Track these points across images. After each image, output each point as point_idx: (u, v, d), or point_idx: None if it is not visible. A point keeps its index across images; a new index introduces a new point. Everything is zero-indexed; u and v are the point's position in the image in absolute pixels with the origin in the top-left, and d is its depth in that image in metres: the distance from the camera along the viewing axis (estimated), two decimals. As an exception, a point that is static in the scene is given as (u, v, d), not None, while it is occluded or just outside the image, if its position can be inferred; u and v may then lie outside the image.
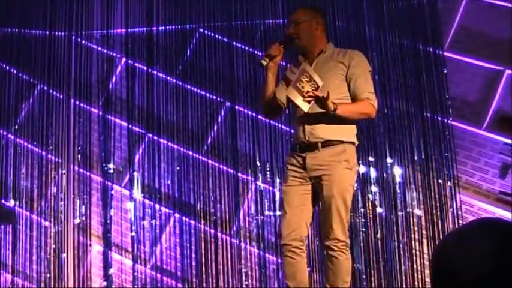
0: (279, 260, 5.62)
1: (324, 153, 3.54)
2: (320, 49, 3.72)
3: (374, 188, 5.50)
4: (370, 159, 5.54)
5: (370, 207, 5.49)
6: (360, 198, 5.49)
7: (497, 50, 5.72)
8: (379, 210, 5.46)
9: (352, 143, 3.61)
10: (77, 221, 6.06)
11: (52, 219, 6.10)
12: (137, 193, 6.03)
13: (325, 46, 3.73)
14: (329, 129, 3.55)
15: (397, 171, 5.49)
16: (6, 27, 6.56)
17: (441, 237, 5.29)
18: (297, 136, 3.65)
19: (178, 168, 5.97)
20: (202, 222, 5.87)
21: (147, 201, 6.04)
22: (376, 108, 3.62)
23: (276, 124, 5.80)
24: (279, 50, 3.64)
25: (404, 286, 5.32)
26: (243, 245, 5.77)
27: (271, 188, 5.81)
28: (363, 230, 5.45)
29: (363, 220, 5.47)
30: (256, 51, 5.95)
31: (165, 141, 6.07)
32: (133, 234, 6.01)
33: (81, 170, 6.20)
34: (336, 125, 3.54)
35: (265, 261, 5.74)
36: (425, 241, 5.36)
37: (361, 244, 5.44)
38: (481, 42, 5.80)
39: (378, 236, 5.42)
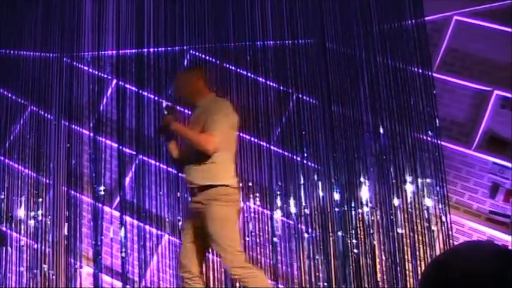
0: (269, 281, 5.63)
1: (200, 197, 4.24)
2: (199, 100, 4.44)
3: (366, 209, 5.51)
4: (362, 179, 5.56)
5: (361, 228, 5.50)
6: (353, 219, 5.50)
7: (485, 70, 5.79)
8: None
9: (226, 185, 4.18)
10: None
11: (42, 241, 6.07)
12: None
13: (203, 98, 4.43)
14: (200, 175, 4.22)
15: (388, 191, 5.50)
16: (-3, 49, 6.58)
17: (433, 257, 5.29)
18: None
19: (161, 192, 5.97)
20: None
21: (137, 223, 6.02)
22: (213, 145, 4.15)
23: (265, 144, 5.83)
24: (169, 120, 4.38)
25: (396, 307, 5.32)
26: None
27: (264, 210, 5.81)
28: (355, 251, 5.46)
29: (354, 241, 5.47)
30: (247, 73, 5.98)
31: (156, 163, 6.07)
32: (124, 255, 5.98)
33: (71, 192, 6.19)
34: (207, 170, 4.20)
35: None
36: (417, 262, 5.35)
37: (353, 265, 5.44)
38: (469, 63, 5.87)
39: (370, 256, 5.42)
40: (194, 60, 6.21)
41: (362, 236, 5.47)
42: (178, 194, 5.91)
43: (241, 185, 4.47)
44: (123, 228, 5.99)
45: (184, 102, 4.78)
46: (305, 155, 5.73)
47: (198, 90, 4.45)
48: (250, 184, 5.82)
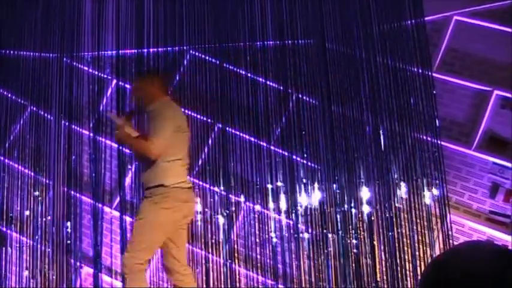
0: (269, 281, 5.64)
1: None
2: (150, 106, 4.51)
3: (366, 208, 5.51)
4: (361, 179, 5.56)
5: (361, 228, 5.50)
6: (353, 219, 5.50)
7: (485, 70, 5.79)
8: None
9: (161, 185, 4.27)
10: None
11: (42, 241, 6.07)
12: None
13: (154, 103, 4.49)
14: (147, 177, 4.37)
15: (388, 191, 5.50)
16: (-3, 49, 6.57)
17: (433, 257, 5.29)
18: None
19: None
20: (192, 243, 5.85)
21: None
22: (155, 151, 4.24)
23: (265, 144, 5.83)
24: (122, 121, 4.49)
25: (396, 307, 5.32)
26: (233, 266, 5.75)
27: (263, 210, 5.81)
28: (354, 251, 5.46)
29: (354, 241, 5.47)
30: (247, 73, 5.99)
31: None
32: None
33: (71, 192, 6.18)
34: (152, 172, 4.32)
35: (253, 282, 5.73)
36: (417, 262, 5.36)
37: (353, 265, 5.44)
38: (469, 63, 5.88)
39: (370, 256, 5.42)
40: (194, 60, 6.21)
41: (362, 236, 5.47)
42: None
43: (188, 186, 4.45)
44: (123, 228, 5.99)
45: (140, 107, 4.88)
46: (305, 155, 5.73)
47: (150, 96, 4.54)
48: (250, 184, 5.83)
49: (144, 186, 4.43)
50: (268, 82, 5.96)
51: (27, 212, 6.17)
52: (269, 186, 5.75)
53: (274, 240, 5.72)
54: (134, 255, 4.23)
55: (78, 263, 6.05)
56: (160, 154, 4.27)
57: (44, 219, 6.13)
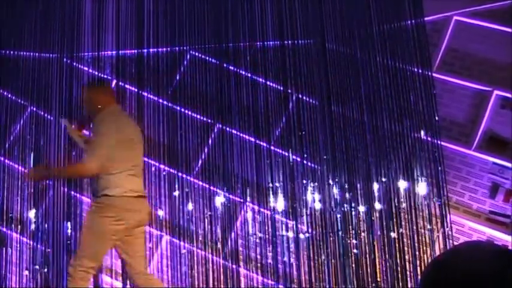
0: (269, 281, 5.64)
1: None
2: (95, 116, 4.54)
3: (362, 209, 5.51)
4: (361, 179, 5.56)
5: (361, 228, 5.50)
6: (353, 219, 5.50)
7: (485, 70, 5.80)
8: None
9: (104, 195, 4.31)
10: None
11: (42, 241, 6.07)
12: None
13: (99, 114, 4.50)
14: (94, 188, 4.43)
15: (388, 191, 5.50)
16: (-3, 49, 6.57)
17: (433, 257, 5.29)
18: None
19: (176, 193, 5.96)
20: (193, 244, 5.85)
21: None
22: (92, 171, 4.29)
23: (265, 144, 5.83)
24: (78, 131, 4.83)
25: (396, 307, 5.32)
26: (234, 266, 5.75)
27: (264, 210, 5.81)
28: (355, 251, 5.45)
29: (354, 241, 5.47)
30: (247, 73, 5.99)
31: (156, 163, 6.06)
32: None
33: (71, 192, 6.18)
34: (98, 183, 4.34)
35: (253, 282, 5.73)
36: (417, 262, 5.36)
37: (353, 265, 5.44)
38: (469, 63, 5.88)
39: (370, 256, 5.42)
40: (194, 60, 6.21)
41: (362, 236, 5.47)
42: (176, 193, 5.92)
43: (136, 194, 4.42)
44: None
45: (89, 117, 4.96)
46: (305, 155, 5.73)
47: (95, 106, 4.54)
48: (250, 184, 5.83)
49: (92, 196, 4.52)
50: (268, 82, 5.96)
51: (27, 212, 6.17)
52: (269, 186, 5.76)
53: (274, 240, 5.72)
54: (79, 262, 4.31)
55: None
56: (99, 171, 4.29)
57: (44, 219, 6.12)
